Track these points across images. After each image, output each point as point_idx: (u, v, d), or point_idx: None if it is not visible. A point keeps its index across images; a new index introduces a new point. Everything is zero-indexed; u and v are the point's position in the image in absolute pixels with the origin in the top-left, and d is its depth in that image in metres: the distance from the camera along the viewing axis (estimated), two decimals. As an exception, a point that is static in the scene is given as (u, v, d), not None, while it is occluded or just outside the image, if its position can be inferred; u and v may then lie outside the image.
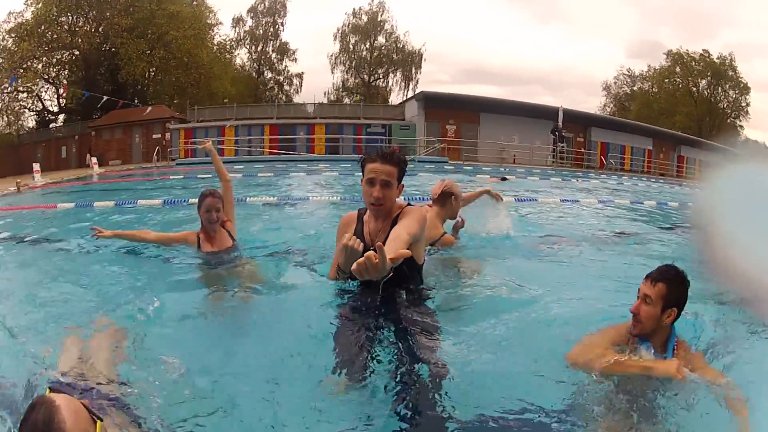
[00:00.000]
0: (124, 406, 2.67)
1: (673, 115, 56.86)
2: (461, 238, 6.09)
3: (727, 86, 58.35)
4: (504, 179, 19.39)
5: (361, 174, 3.97)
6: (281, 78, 62.53)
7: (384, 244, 3.02)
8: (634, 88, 65.26)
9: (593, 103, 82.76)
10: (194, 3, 51.75)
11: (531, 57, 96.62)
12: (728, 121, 59.27)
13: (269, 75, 62.57)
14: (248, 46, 60.62)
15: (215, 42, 54.59)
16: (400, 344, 3.49)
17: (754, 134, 65.62)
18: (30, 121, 50.76)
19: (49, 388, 1.87)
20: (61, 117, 51.73)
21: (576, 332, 3.60)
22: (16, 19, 44.77)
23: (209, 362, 3.40)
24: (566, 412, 3.00)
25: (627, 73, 65.97)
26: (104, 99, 30.59)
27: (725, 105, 59.37)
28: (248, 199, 11.50)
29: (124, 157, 41.48)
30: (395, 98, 59.53)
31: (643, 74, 63.99)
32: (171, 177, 21.34)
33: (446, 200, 5.54)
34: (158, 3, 46.32)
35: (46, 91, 49.10)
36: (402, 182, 3.99)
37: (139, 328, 3.77)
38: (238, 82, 57.38)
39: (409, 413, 2.89)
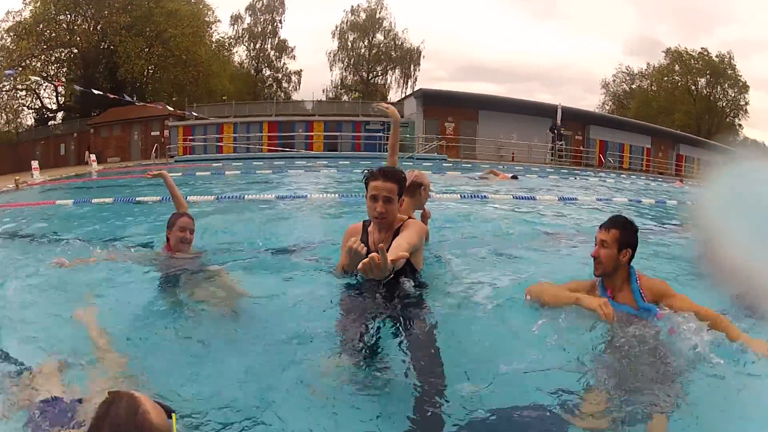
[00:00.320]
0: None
1: (672, 113, 56.86)
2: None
3: (726, 85, 58.35)
4: (515, 177, 19.44)
5: (364, 190, 4.25)
6: (280, 75, 62.56)
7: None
8: (633, 86, 65.27)
9: (591, 101, 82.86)
10: (192, 1, 51.67)
11: (529, 54, 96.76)
12: (727, 119, 59.31)
13: (268, 72, 62.58)
14: (247, 44, 60.63)
15: (214, 40, 54.58)
16: (397, 333, 3.73)
17: (752, 133, 65.68)
18: (29, 119, 50.90)
19: (109, 392, 1.83)
20: (60, 115, 51.78)
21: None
22: (14, 17, 44.86)
23: (209, 362, 3.43)
24: (563, 404, 3.04)
25: (626, 71, 66.03)
26: (97, 94, 30.42)
27: (724, 104, 59.39)
28: (246, 196, 11.50)
29: (123, 155, 41.47)
30: (394, 96, 59.58)
31: (642, 72, 64.07)
32: (170, 174, 21.31)
33: (415, 191, 5.51)
34: (156, 1, 46.33)
35: (44, 89, 49.19)
36: (402, 197, 4.31)
37: (134, 330, 3.84)
38: (236, 80, 57.35)
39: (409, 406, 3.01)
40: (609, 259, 3.89)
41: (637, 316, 3.75)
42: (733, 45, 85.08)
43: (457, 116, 39.97)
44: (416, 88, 48.73)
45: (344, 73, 62.26)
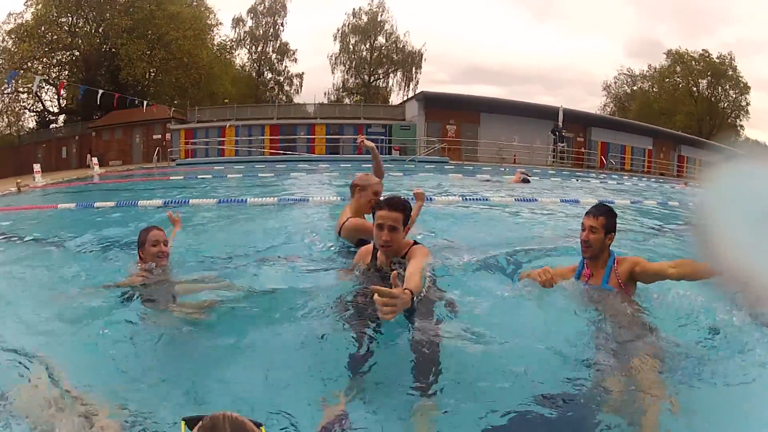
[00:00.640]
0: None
1: (674, 114, 56.88)
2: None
3: (727, 86, 58.35)
4: (527, 181, 19.44)
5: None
6: (281, 78, 62.60)
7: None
8: (635, 87, 65.28)
9: (593, 102, 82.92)
10: (194, 3, 51.77)
11: (530, 56, 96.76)
12: (728, 120, 59.29)
13: (269, 75, 62.63)
14: (248, 47, 60.68)
15: (215, 42, 54.66)
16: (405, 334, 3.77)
17: (754, 134, 65.61)
18: (30, 122, 50.99)
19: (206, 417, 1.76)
20: (62, 117, 51.85)
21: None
22: (16, 20, 44.93)
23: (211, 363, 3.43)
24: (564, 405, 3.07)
25: (627, 72, 66.04)
26: (100, 93, 30.45)
27: (725, 105, 59.38)
28: (249, 200, 11.49)
29: (125, 158, 41.53)
30: (395, 98, 59.66)
31: (643, 74, 64.07)
32: (171, 177, 21.35)
33: (353, 191, 5.90)
34: (158, 4, 46.36)
35: (46, 92, 49.25)
36: (408, 225, 4.57)
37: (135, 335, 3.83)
38: (238, 83, 57.39)
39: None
40: (598, 242, 4.40)
41: (611, 293, 4.33)
42: (734, 45, 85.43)
43: (458, 119, 40.00)
44: (418, 91, 48.79)
45: (346, 76, 62.36)
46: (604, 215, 4.44)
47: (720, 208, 4.51)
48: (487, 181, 19.87)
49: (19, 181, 20.36)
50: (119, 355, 3.53)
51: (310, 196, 11.92)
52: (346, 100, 59.55)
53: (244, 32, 59.85)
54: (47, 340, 3.70)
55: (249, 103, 48.12)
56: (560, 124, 37.23)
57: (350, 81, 62.40)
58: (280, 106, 48.64)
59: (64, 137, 47.31)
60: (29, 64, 44.68)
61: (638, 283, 4.40)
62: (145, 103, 33.60)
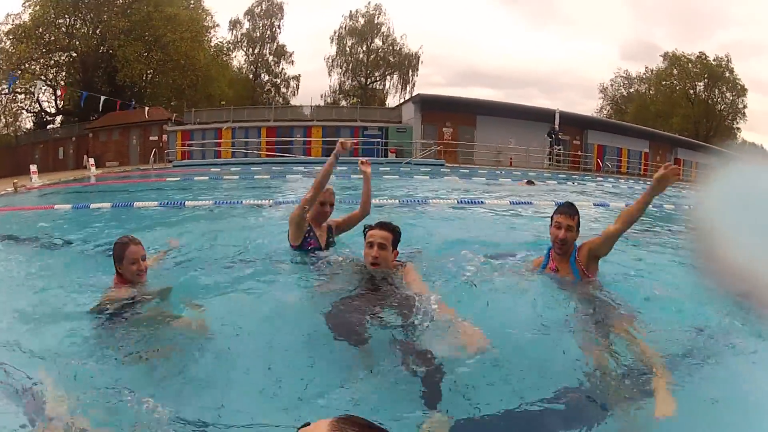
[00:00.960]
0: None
1: (670, 117, 56.96)
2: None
3: (724, 88, 58.42)
4: (531, 183, 19.56)
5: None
6: (278, 80, 62.59)
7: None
8: (631, 90, 65.37)
9: (589, 105, 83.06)
10: (191, 6, 51.73)
11: (526, 59, 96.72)
12: (725, 123, 59.37)
13: (266, 77, 62.58)
14: (245, 49, 60.68)
15: (212, 44, 54.62)
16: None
17: (750, 136, 65.81)
18: (27, 123, 50.89)
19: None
20: (59, 118, 51.75)
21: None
22: (13, 21, 44.90)
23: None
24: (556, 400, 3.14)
25: (624, 75, 66.14)
26: (102, 99, 30.44)
27: (722, 107, 59.44)
28: (244, 201, 11.52)
29: (122, 159, 41.44)
30: (392, 101, 59.63)
31: (640, 76, 64.19)
32: (168, 179, 21.35)
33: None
34: (155, 5, 46.33)
35: (43, 93, 49.17)
36: (397, 248, 4.82)
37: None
38: (235, 85, 57.39)
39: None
40: (573, 240, 4.78)
41: (579, 282, 4.72)
42: (731, 48, 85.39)
43: (455, 121, 40.03)
44: (414, 94, 48.80)
45: (342, 79, 62.35)
46: (577, 214, 4.80)
47: (720, 209, 4.58)
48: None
49: (16, 181, 20.36)
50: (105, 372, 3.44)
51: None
52: (343, 103, 59.57)
53: (241, 34, 59.89)
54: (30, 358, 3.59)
55: (246, 105, 48.11)
56: (556, 126, 37.25)
57: (347, 83, 62.45)
58: (277, 108, 48.66)
59: (61, 138, 47.20)
60: (27, 65, 44.65)
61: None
62: (146, 109, 33.63)
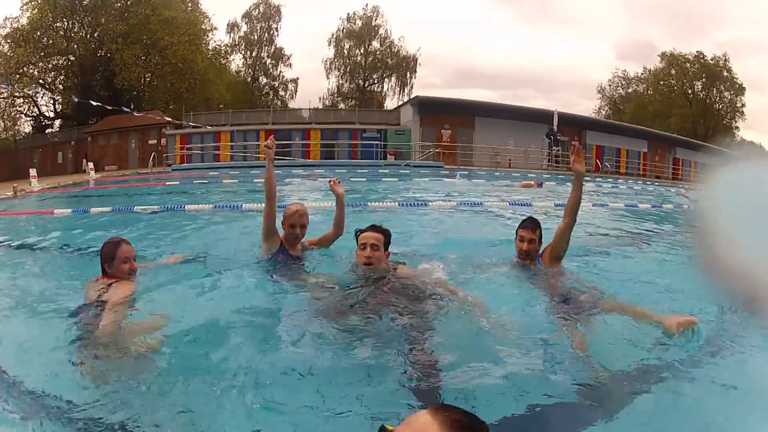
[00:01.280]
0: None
1: (668, 117, 57.00)
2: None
3: (722, 87, 58.47)
4: (540, 185, 19.64)
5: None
6: (276, 83, 62.63)
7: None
8: (629, 90, 65.41)
9: (586, 106, 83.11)
10: (189, 9, 51.69)
11: (522, 60, 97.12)
12: (723, 122, 59.40)
13: (264, 80, 62.63)
14: (243, 52, 60.74)
15: (210, 47, 54.56)
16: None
17: (749, 135, 65.85)
18: (26, 127, 50.93)
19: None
20: (58, 122, 51.81)
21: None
22: (11, 24, 44.90)
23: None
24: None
25: (622, 75, 66.19)
26: (96, 105, 30.42)
27: (720, 106, 59.50)
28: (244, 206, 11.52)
29: (121, 163, 41.45)
30: (390, 103, 59.69)
31: (637, 76, 64.24)
32: (167, 182, 21.35)
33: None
34: (153, 9, 46.27)
35: (42, 97, 49.21)
36: (388, 250, 4.93)
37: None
38: (233, 88, 57.43)
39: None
40: (535, 251, 5.32)
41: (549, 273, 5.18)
42: (727, 47, 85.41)
43: (453, 123, 40.07)
44: (413, 96, 48.84)
45: (340, 81, 62.39)
46: (539, 228, 5.36)
47: (722, 209, 4.58)
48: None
49: (15, 185, 20.34)
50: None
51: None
52: (341, 105, 59.53)
53: (239, 37, 59.95)
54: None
55: (244, 108, 48.14)
56: (555, 127, 37.23)
57: (345, 86, 62.47)
58: (275, 111, 48.72)
59: (60, 142, 47.22)
60: (25, 69, 44.66)
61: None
62: (142, 108, 33.65)
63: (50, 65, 47.85)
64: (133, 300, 4.30)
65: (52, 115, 51.55)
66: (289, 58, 61.70)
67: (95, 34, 47.58)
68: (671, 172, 45.21)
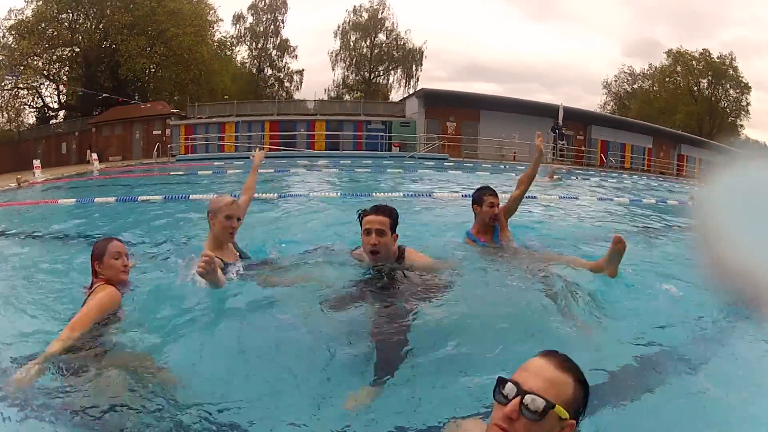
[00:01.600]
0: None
1: (674, 113, 56.75)
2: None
3: (728, 85, 58.25)
4: (560, 179, 19.77)
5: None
6: (281, 75, 62.39)
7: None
8: (635, 86, 65.17)
9: (590, 101, 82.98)
10: (194, 0, 51.57)
11: (528, 54, 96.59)
12: (728, 120, 59.20)
13: (269, 72, 62.41)
14: (249, 43, 60.50)
15: (215, 39, 54.40)
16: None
17: (753, 134, 65.61)
18: (30, 118, 50.88)
19: None
20: (62, 113, 51.79)
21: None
22: (16, 16, 44.81)
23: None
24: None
25: (627, 71, 65.92)
26: (101, 96, 30.40)
27: (726, 104, 59.28)
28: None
29: (125, 154, 41.48)
30: (396, 95, 59.49)
31: (643, 72, 63.95)
32: (171, 173, 21.35)
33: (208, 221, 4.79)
34: (158, 0, 46.21)
35: (46, 88, 49.21)
36: (396, 232, 4.59)
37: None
38: (238, 79, 57.37)
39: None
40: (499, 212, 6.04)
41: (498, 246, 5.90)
42: (733, 47, 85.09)
43: (458, 116, 40.01)
44: (418, 88, 48.77)
45: (346, 73, 62.14)
46: (496, 194, 6.08)
47: (724, 208, 4.54)
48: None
49: (19, 176, 20.38)
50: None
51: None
52: (347, 97, 59.40)
53: (245, 29, 59.69)
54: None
55: (249, 100, 48.09)
56: (560, 122, 37.16)
57: (350, 78, 62.27)
58: (280, 102, 48.63)
59: (63, 133, 47.21)
60: (30, 61, 44.64)
61: None
62: (147, 99, 33.69)
63: (55, 57, 47.75)
64: (114, 316, 3.77)
65: (56, 106, 51.54)
66: (294, 50, 61.57)
67: (100, 26, 47.51)
68: (676, 168, 45.08)
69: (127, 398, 2.97)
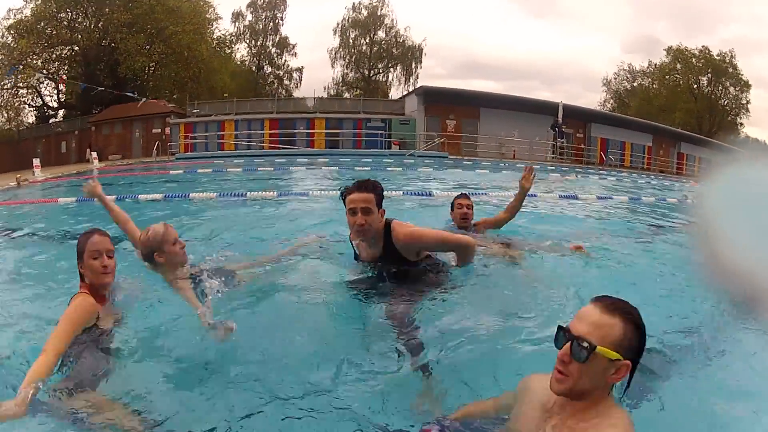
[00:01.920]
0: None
1: (673, 111, 56.71)
2: None
3: (728, 83, 58.22)
4: (567, 179, 19.88)
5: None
6: (281, 72, 62.45)
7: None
8: (635, 83, 65.14)
9: (590, 98, 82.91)
10: (193, -2, 51.56)
11: (528, 51, 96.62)
12: (728, 118, 59.19)
13: (269, 69, 62.47)
14: (248, 41, 60.53)
15: (215, 37, 54.35)
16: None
17: (753, 132, 65.59)
18: (30, 117, 50.88)
19: None
20: (61, 112, 51.78)
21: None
22: (15, 15, 44.76)
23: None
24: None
25: (627, 68, 65.90)
26: (101, 91, 30.30)
27: (725, 102, 59.27)
28: (248, 194, 11.49)
29: (124, 152, 41.45)
30: (395, 93, 59.54)
31: (643, 70, 63.95)
32: (171, 171, 21.34)
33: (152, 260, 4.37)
34: (158, -2, 46.23)
35: (45, 87, 49.19)
36: (383, 207, 4.29)
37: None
38: (237, 77, 57.36)
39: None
40: (471, 217, 6.27)
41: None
42: (733, 44, 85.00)
43: (458, 114, 40.00)
44: (418, 86, 48.74)
45: (345, 71, 62.19)
46: (468, 199, 6.34)
47: (722, 207, 4.54)
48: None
49: (18, 175, 20.37)
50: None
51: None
52: (346, 95, 59.50)
53: (244, 26, 59.73)
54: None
55: (248, 97, 48.08)
56: (560, 119, 37.16)
57: (350, 75, 62.32)
58: (280, 100, 48.63)
59: (63, 132, 47.22)
60: (29, 60, 44.60)
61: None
62: (142, 99, 33.68)
63: (54, 56, 47.72)
64: (96, 329, 3.39)
65: (55, 105, 51.55)
66: (294, 47, 61.61)
67: (99, 24, 47.48)
68: (675, 166, 45.05)
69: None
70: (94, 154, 31.97)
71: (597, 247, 6.48)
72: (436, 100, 40.02)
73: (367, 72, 61.65)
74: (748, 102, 59.06)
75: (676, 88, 59.01)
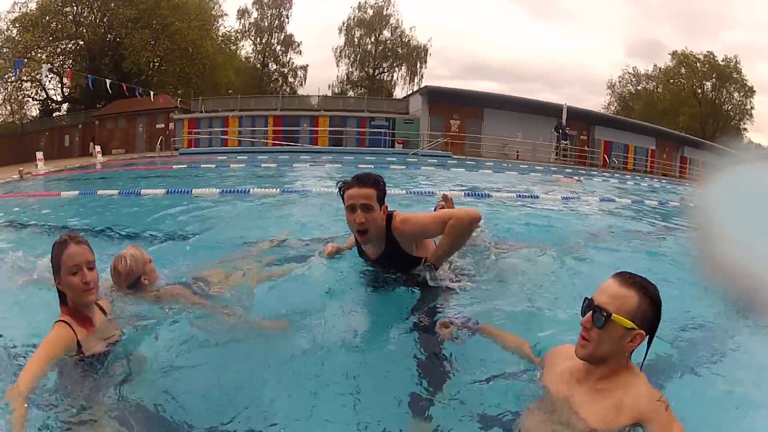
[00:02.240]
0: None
1: (677, 115, 56.67)
2: None
3: (732, 88, 58.18)
4: (579, 180, 19.92)
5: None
6: (285, 70, 62.50)
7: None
8: (639, 87, 65.08)
9: (593, 101, 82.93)
10: (199, -6, 51.63)
11: (532, 54, 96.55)
12: (732, 123, 59.14)
13: (274, 67, 62.53)
14: (253, 38, 60.60)
15: (220, 33, 54.50)
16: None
17: (757, 137, 65.63)
18: (33, 110, 50.97)
19: None
20: (65, 106, 51.84)
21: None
22: (20, 9, 44.91)
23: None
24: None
25: (632, 72, 65.85)
26: (109, 83, 30.26)
27: (729, 107, 59.22)
28: (252, 190, 11.48)
29: (128, 147, 41.50)
30: (399, 92, 59.62)
31: (648, 74, 63.89)
32: (174, 166, 21.35)
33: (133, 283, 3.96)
34: (163, -7, 46.29)
35: (50, 81, 49.23)
36: (385, 203, 3.95)
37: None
38: (242, 74, 57.44)
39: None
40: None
41: None
42: (737, 49, 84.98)
43: (462, 114, 39.99)
44: (422, 85, 48.75)
45: (350, 69, 62.32)
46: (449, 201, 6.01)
47: (722, 209, 4.54)
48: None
49: (21, 168, 20.39)
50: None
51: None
52: (350, 93, 59.55)
53: (249, 23, 59.78)
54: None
55: (253, 94, 48.11)
56: (564, 121, 37.14)
57: (354, 74, 62.43)
58: (284, 97, 48.72)
59: (67, 126, 47.29)
60: (33, 53, 44.67)
61: None
62: (151, 93, 33.72)
63: (58, 50, 47.83)
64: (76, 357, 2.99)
65: (59, 98, 51.63)
66: (299, 45, 61.67)
67: (104, 19, 47.59)
68: (678, 170, 44.97)
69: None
70: (98, 148, 32.03)
71: (598, 247, 6.47)
72: (441, 100, 40.00)
73: (371, 71, 61.72)
74: (752, 108, 59.12)
75: (680, 92, 58.96)
